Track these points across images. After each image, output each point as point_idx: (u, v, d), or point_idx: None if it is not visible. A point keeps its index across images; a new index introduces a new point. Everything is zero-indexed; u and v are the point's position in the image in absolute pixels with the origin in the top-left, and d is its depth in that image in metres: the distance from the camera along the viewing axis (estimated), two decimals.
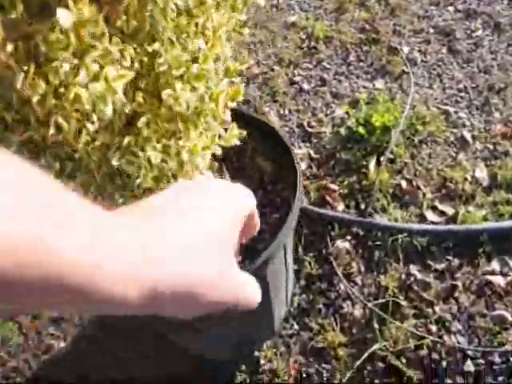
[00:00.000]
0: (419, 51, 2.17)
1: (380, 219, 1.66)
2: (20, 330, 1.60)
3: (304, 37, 2.33)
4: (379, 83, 2.08)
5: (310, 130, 1.97)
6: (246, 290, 0.47)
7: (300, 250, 1.65)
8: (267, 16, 2.48)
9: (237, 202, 0.48)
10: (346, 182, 1.78)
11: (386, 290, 1.54)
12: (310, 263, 1.62)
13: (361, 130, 1.86)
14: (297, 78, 2.16)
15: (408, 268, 1.57)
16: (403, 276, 1.56)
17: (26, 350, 1.56)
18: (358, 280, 1.58)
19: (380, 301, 1.52)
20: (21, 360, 1.55)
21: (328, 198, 1.74)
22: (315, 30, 2.31)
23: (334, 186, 1.77)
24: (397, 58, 2.14)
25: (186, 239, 0.40)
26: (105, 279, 0.32)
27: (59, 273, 0.29)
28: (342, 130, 1.91)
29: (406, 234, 1.60)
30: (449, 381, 1.38)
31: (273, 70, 2.22)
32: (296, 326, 1.53)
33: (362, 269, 1.60)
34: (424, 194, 1.73)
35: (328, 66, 2.18)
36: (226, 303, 0.44)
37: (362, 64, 2.17)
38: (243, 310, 0.47)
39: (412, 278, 1.55)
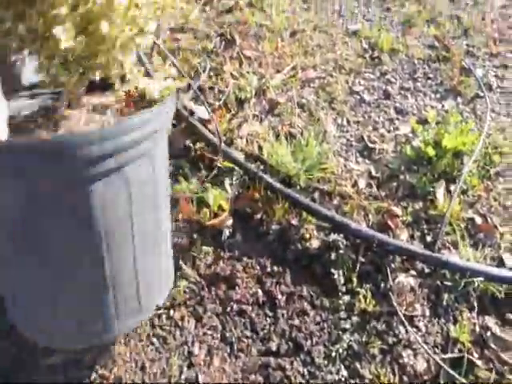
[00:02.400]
0: (495, 76, 1.89)
1: (451, 256, 1.35)
2: None
3: (366, 46, 2.06)
4: (449, 104, 1.79)
5: (370, 145, 1.68)
6: None
7: (354, 279, 1.34)
8: (328, 21, 2.21)
9: None
10: (410, 209, 1.49)
11: (456, 343, 1.23)
12: (365, 297, 1.31)
13: (430, 151, 1.57)
14: (357, 88, 1.88)
15: (483, 320, 1.27)
16: (477, 328, 1.25)
17: None
18: (422, 325, 1.28)
19: (449, 355, 1.22)
20: None
21: (390, 222, 1.44)
22: (379, 40, 2.04)
23: (397, 210, 1.47)
24: (470, 80, 1.86)
25: None
26: None
27: None
28: (408, 150, 1.62)
29: (481, 279, 1.30)
30: None
31: (331, 75, 1.94)
32: (344, 372, 1.22)
33: (427, 313, 1.30)
34: (502, 235, 1.43)
35: (392, 80, 1.90)
36: None
37: (430, 82, 1.89)
38: None
39: (488, 333, 1.24)
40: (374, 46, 2.04)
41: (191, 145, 1.75)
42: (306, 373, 1.22)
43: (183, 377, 1.23)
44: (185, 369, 1.25)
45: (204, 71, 2.01)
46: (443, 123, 1.67)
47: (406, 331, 1.26)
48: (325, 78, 1.93)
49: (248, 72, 1.97)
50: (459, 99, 1.80)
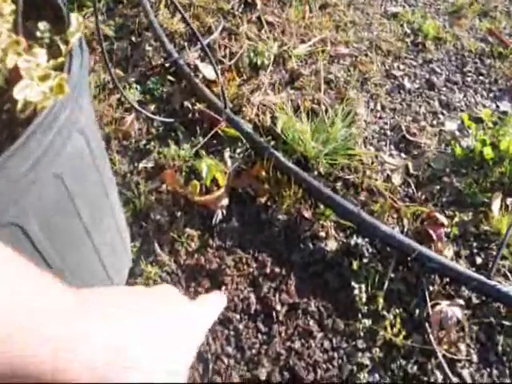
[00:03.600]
0: None
1: (510, 288, 1.00)
2: None
3: (409, 31, 1.72)
4: (506, 106, 1.46)
5: (409, 137, 1.33)
6: None
7: (380, 299, 0.98)
8: (365, 0, 1.88)
9: (202, 320, 0.47)
10: (456, 219, 1.14)
11: None
12: (392, 325, 0.96)
13: (488, 152, 1.23)
14: (396, 72, 1.54)
15: None
16: None
17: None
18: (467, 375, 0.92)
19: None
20: None
21: (432, 232, 1.09)
22: (424, 26, 1.70)
23: (441, 218, 1.12)
24: None
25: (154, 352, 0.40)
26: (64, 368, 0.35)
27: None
28: (457, 149, 1.27)
29: None
30: None
31: (366, 55, 1.59)
32: None
33: (475, 358, 0.94)
34: None
35: (438, 70, 1.56)
36: None
37: (482, 78, 1.55)
38: None
39: None
40: (417, 32, 1.70)
41: (189, 106, 1.39)
42: None
43: None
44: None
45: (216, 29, 1.66)
46: (501, 125, 1.33)
47: (445, 379, 0.90)
48: (358, 56, 1.59)
49: (268, 38, 1.62)
50: None
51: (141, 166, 1.27)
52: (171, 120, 1.35)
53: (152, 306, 0.44)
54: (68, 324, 0.38)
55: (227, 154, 1.22)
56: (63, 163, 0.68)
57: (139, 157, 1.30)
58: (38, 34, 0.81)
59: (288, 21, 1.72)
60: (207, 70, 1.48)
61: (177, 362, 0.43)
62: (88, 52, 0.78)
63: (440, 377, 0.91)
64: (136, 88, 1.48)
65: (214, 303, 0.50)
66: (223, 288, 1.00)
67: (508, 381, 0.91)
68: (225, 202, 1.12)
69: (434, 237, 1.08)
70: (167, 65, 1.54)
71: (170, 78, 1.50)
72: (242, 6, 1.80)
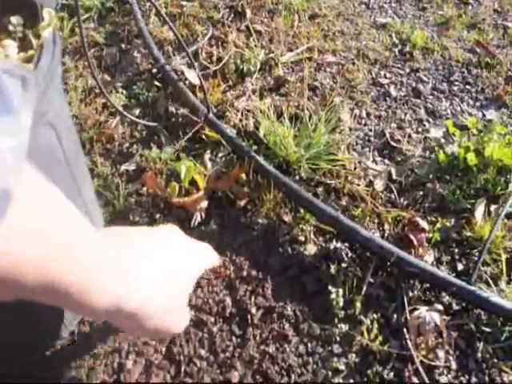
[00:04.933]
0: None
1: (491, 294, 0.97)
2: None
3: (397, 41, 1.72)
4: (492, 115, 1.44)
5: (393, 143, 1.32)
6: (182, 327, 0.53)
7: (358, 304, 0.96)
8: (354, 11, 1.88)
9: (201, 259, 0.56)
10: (438, 225, 1.11)
11: None
12: (369, 330, 0.93)
13: (471, 158, 1.21)
14: (383, 80, 1.53)
15: None
16: None
17: None
18: (445, 381, 0.89)
19: None
20: None
21: (412, 237, 1.07)
22: (412, 36, 1.70)
23: (423, 224, 1.09)
24: None
25: (167, 291, 0.49)
26: (89, 289, 0.40)
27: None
28: (441, 155, 1.25)
29: None
30: None
31: (353, 63, 1.58)
32: None
33: (454, 365, 0.91)
34: None
35: (424, 79, 1.55)
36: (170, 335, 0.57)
37: (468, 87, 1.54)
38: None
39: None
40: (405, 41, 1.70)
41: (174, 110, 1.38)
42: None
43: None
44: None
45: (205, 37, 1.66)
46: (485, 132, 1.31)
47: None
48: (345, 64, 1.58)
49: (256, 46, 1.62)
50: (504, 110, 1.45)
51: (122, 168, 1.25)
52: (155, 124, 1.34)
53: (158, 239, 0.52)
54: (92, 252, 0.41)
55: (207, 156, 1.20)
56: (28, 155, 0.66)
57: (121, 159, 1.28)
58: (11, 27, 0.80)
59: (276, 30, 1.71)
60: (193, 76, 1.47)
61: (173, 286, 0.50)
62: (61, 46, 0.77)
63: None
64: (122, 93, 1.47)
65: (212, 254, 0.60)
66: (199, 290, 0.97)
67: None
68: (204, 204, 1.10)
69: (415, 242, 1.06)
70: (154, 71, 1.54)
71: (156, 83, 1.49)
72: (232, 15, 1.80)
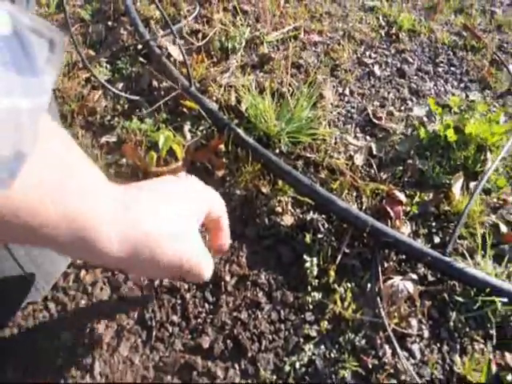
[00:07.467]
0: None
1: (466, 265, 0.96)
2: None
3: (383, 23, 1.70)
4: (475, 96, 1.43)
5: (375, 120, 1.30)
6: (203, 265, 0.56)
7: (332, 272, 0.94)
8: None
9: (208, 199, 0.61)
10: (417, 199, 1.10)
11: (462, 382, 0.84)
12: (343, 298, 0.92)
13: (450, 134, 1.20)
14: (367, 60, 1.51)
15: (503, 356, 0.87)
16: (494, 367, 0.85)
17: None
18: (417, 350, 0.88)
19: None
20: None
21: (389, 210, 1.05)
22: (399, 19, 1.69)
23: (400, 196, 1.08)
24: (501, 75, 1.50)
25: (170, 215, 0.51)
26: (100, 234, 0.41)
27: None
28: (422, 132, 1.24)
29: (505, 300, 0.91)
30: None
31: (339, 43, 1.57)
32: None
33: (426, 334, 0.90)
34: None
35: (410, 60, 1.54)
36: (185, 274, 0.54)
37: (453, 69, 1.53)
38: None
39: (509, 376, 0.84)
40: (392, 24, 1.68)
41: (157, 84, 1.36)
42: None
43: (75, 359, 0.81)
44: (80, 349, 0.83)
45: (191, 16, 1.64)
46: (467, 110, 1.30)
47: (394, 354, 0.86)
48: (330, 44, 1.56)
49: (242, 24, 1.60)
50: (487, 92, 1.44)
51: (103, 139, 1.23)
52: (137, 97, 1.32)
53: (177, 191, 0.57)
54: (108, 202, 0.43)
55: (187, 127, 1.18)
56: None
57: (103, 132, 1.26)
58: None
59: (263, 10, 1.69)
60: (177, 53, 1.45)
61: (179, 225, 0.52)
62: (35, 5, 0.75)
63: (389, 351, 0.87)
64: (106, 67, 1.45)
65: (221, 204, 0.65)
66: None
67: (458, 357, 0.86)
68: (182, 174, 1.08)
69: (392, 214, 1.05)
70: (139, 47, 1.52)
71: (140, 59, 1.47)
72: None
